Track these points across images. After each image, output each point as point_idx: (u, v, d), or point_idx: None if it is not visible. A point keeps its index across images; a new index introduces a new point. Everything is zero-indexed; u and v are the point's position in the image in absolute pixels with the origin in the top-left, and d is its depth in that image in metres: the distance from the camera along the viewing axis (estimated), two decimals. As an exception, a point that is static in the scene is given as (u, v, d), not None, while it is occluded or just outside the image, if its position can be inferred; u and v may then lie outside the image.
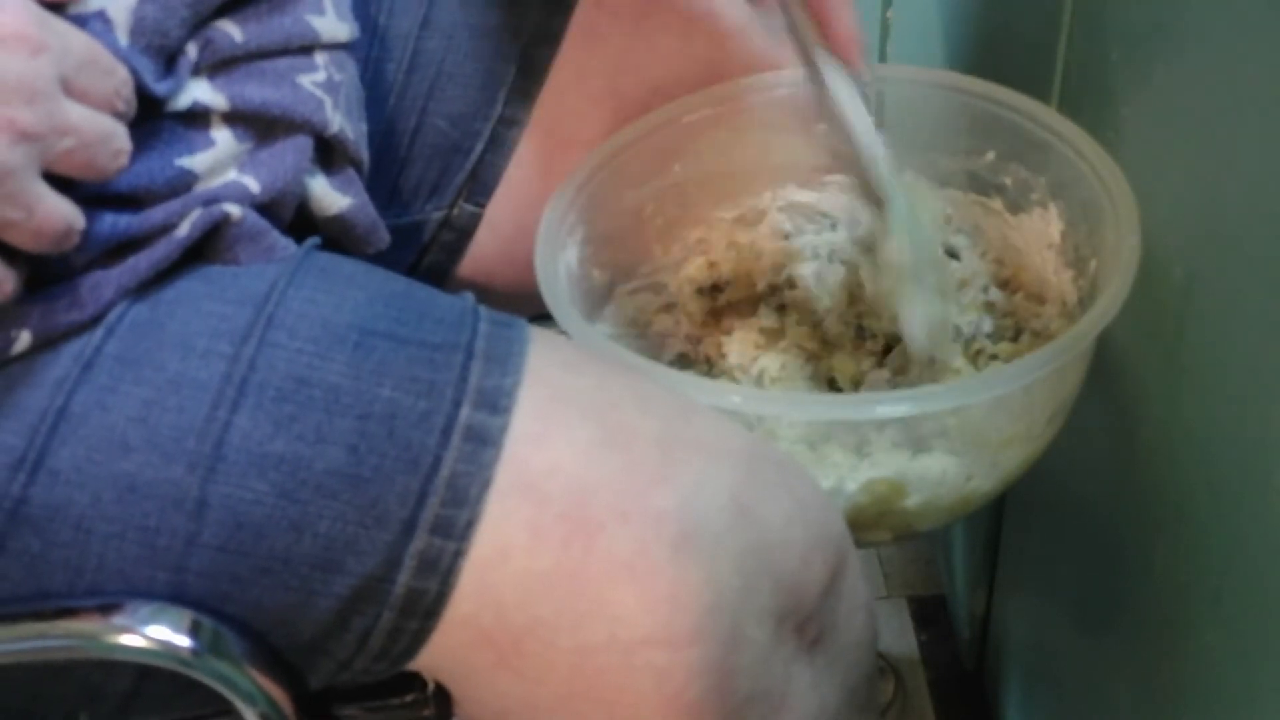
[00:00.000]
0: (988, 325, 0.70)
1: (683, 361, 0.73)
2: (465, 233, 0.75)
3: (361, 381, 0.51)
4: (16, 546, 0.49)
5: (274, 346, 0.51)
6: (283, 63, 0.57)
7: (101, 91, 0.48)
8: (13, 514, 0.49)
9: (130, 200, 0.52)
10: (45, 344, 0.50)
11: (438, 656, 0.53)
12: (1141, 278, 0.60)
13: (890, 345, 0.73)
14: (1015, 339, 0.70)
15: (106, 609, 0.50)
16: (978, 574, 1.01)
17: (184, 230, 0.53)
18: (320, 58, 0.58)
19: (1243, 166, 0.52)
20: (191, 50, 0.54)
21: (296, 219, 0.59)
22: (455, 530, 0.50)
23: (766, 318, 0.74)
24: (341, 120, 0.59)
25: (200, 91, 0.54)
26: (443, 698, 0.58)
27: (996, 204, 0.73)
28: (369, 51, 0.72)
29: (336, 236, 0.61)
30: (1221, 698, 0.58)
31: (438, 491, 0.50)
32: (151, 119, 0.53)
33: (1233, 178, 0.53)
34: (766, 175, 0.73)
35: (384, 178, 0.72)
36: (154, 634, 0.50)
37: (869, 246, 0.67)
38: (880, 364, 0.72)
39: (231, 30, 0.55)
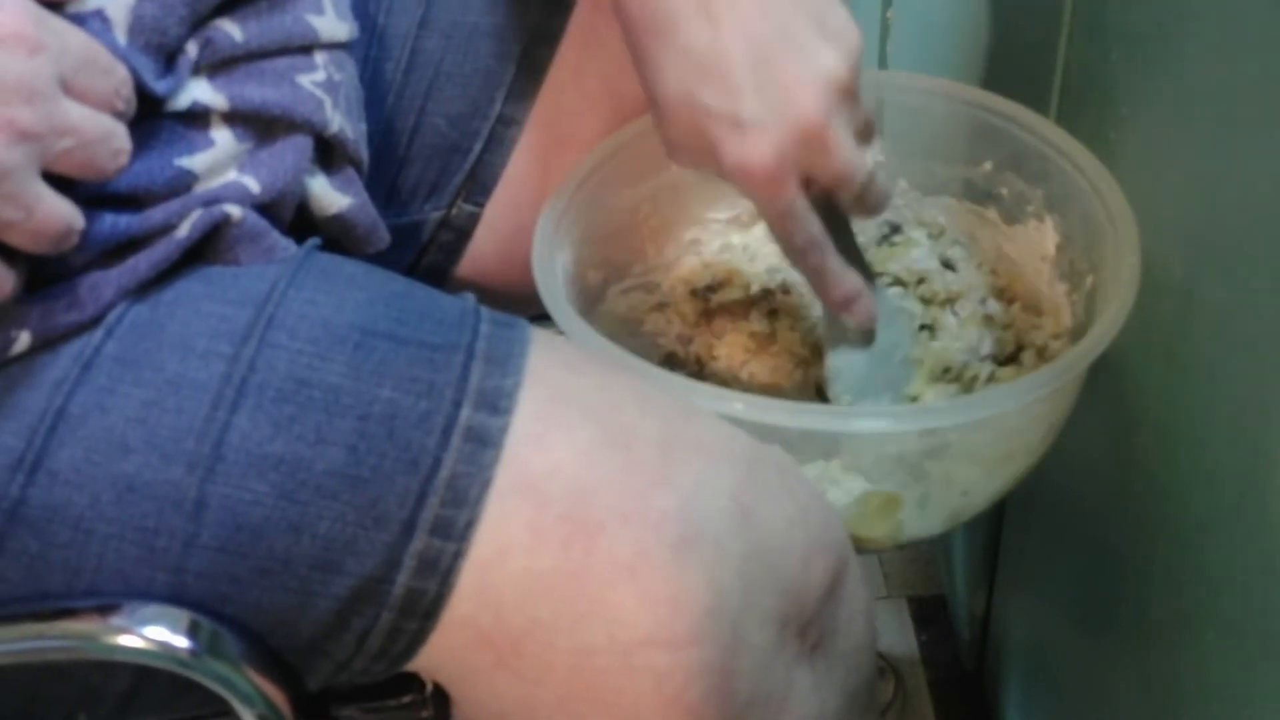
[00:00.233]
0: (988, 344, 0.70)
1: (671, 361, 0.73)
2: (464, 233, 0.75)
3: (361, 382, 0.51)
4: (15, 547, 0.49)
5: (274, 347, 0.51)
6: (282, 62, 0.57)
7: (101, 91, 0.48)
8: (11, 515, 0.49)
9: (130, 200, 0.52)
10: (44, 344, 0.50)
11: (436, 657, 0.52)
12: (1142, 278, 0.60)
13: None
14: (1016, 354, 0.70)
15: (105, 610, 0.50)
16: (978, 574, 1.01)
17: (184, 231, 0.53)
18: (320, 57, 0.58)
19: (1243, 166, 0.52)
20: (191, 49, 0.54)
21: (296, 219, 0.59)
22: (455, 531, 0.50)
23: (758, 323, 0.73)
24: (341, 120, 0.59)
25: (200, 91, 0.54)
26: (441, 699, 0.58)
27: (992, 214, 0.73)
28: (368, 51, 0.72)
29: (337, 236, 0.61)
30: (1221, 698, 0.58)
31: (437, 492, 0.50)
32: (151, 119, 0.53)
33: (1233, 177, 0.53)
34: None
35: (382, 177, 0.72)
36: (152, 635, 0.50)
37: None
38: None
39: (231, 30, 0.55)
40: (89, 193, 0.50)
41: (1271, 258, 0.50)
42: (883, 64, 1.12)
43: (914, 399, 0.68)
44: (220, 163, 0.55)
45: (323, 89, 0.58)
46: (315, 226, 0.60)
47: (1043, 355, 0.68)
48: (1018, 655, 0.96)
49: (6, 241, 0.46)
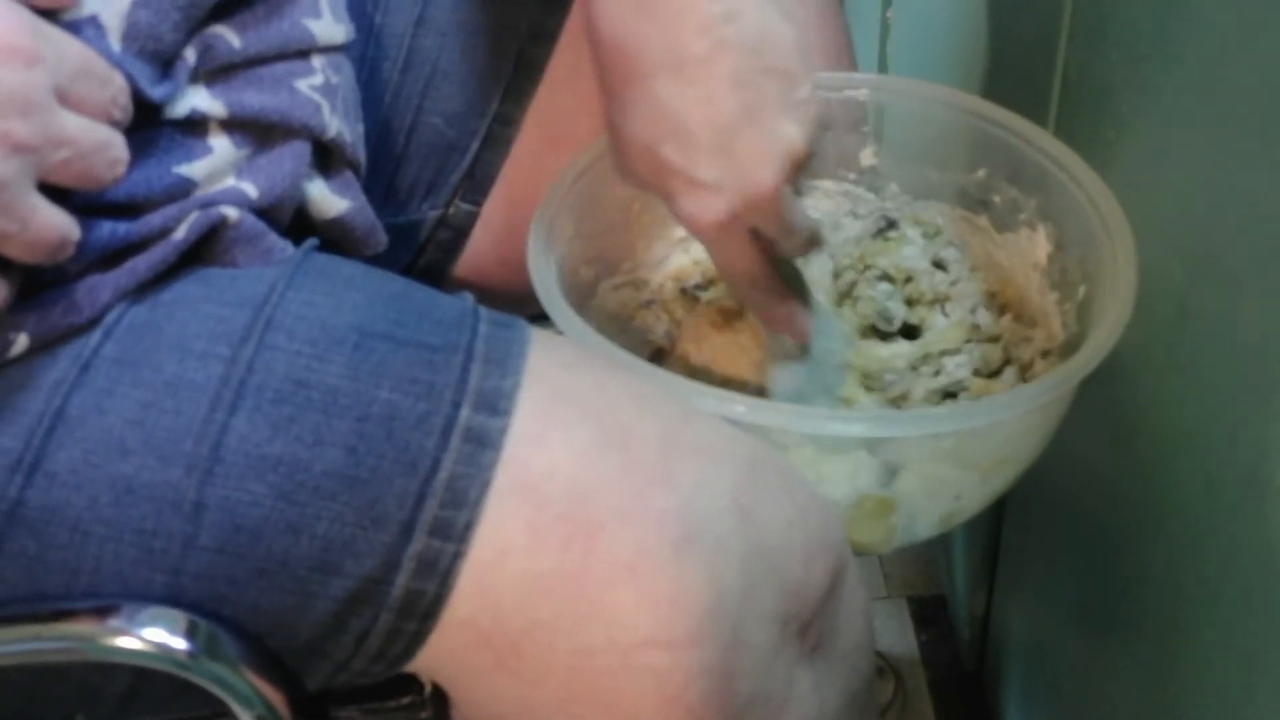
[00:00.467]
0: (966, 366, 0.70)
1: (659, 357, 0.73)
2: (461, 232, 0.75)
3: (360, 383, 0.51)
4: (13, 548, 0.49)
5: (272, 349, 0.51)
6: (280, 68, 0.57)
7: (97, 101, 0.47)
8: (9, 516, 0.49)
9: (128, 209, 0.52)
10: (42, 346, 0.50)
11: (435, 658, 0.52)
12: (1142, 278, 0.60)
13: None
14: (999, 371, 0.70)
15: (103, 611, 0.50)
16: (978, 574, 1.01)
17: (181, 233, 0.53)
18: (317, 61, 0.58)
19: (1243, 167, 0.52)
20: (190, 56, 0.53)
21: (294, 222, 0.59)
22: (454, 532, 0.50)
23: (741, 331, 0.73)
24: (339, 123, 0.59)
25: (198, 99, 0.54)
26: (440, 700, 0.58)
27: (983, 221, 0.73)
28: (365, 50, 0.72)
29: (335, 239, 0.61)
30: (1221, 698, 0.58)
31: (436, 493, 0.50)
32: (149, 127, 0.52)
33: (1233, 178, 0.53)
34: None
35: (380, 177, 0.72)
36: (150, 636, 0.50)
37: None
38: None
39: (230, 37, 0.55)
40: (87, 201, 0.49)
41: (1272, 257, 0.50)
42: (883, 65, 1.11)
43: (847, 401, 0.69)
44: (219, 170, 0.55)
45: (320, 93, 0.58)
46: (313, 229, 0.60)
47: (1025, 373, 0.68)
48: (1018, 655, 0.96)
49: (2, 253, 0.46)
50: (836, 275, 0.75)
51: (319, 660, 0.53)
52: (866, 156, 0.76)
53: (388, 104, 0.72)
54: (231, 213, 0.54)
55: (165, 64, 0.53)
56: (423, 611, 0.51)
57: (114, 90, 0.48)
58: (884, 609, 1.16)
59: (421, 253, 0.75)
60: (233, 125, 0.55)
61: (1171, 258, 0.59)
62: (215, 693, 0.51)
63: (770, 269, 0.63)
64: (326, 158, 0.60)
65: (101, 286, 0.51)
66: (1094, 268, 0.64)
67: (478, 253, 0.75)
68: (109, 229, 0.51)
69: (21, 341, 0.49)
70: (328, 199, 0.60)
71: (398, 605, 0.51)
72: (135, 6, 0.51)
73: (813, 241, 0.63)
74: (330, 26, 0.59)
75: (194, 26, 0.53)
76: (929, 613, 1.16)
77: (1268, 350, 0.51)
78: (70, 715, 0.55)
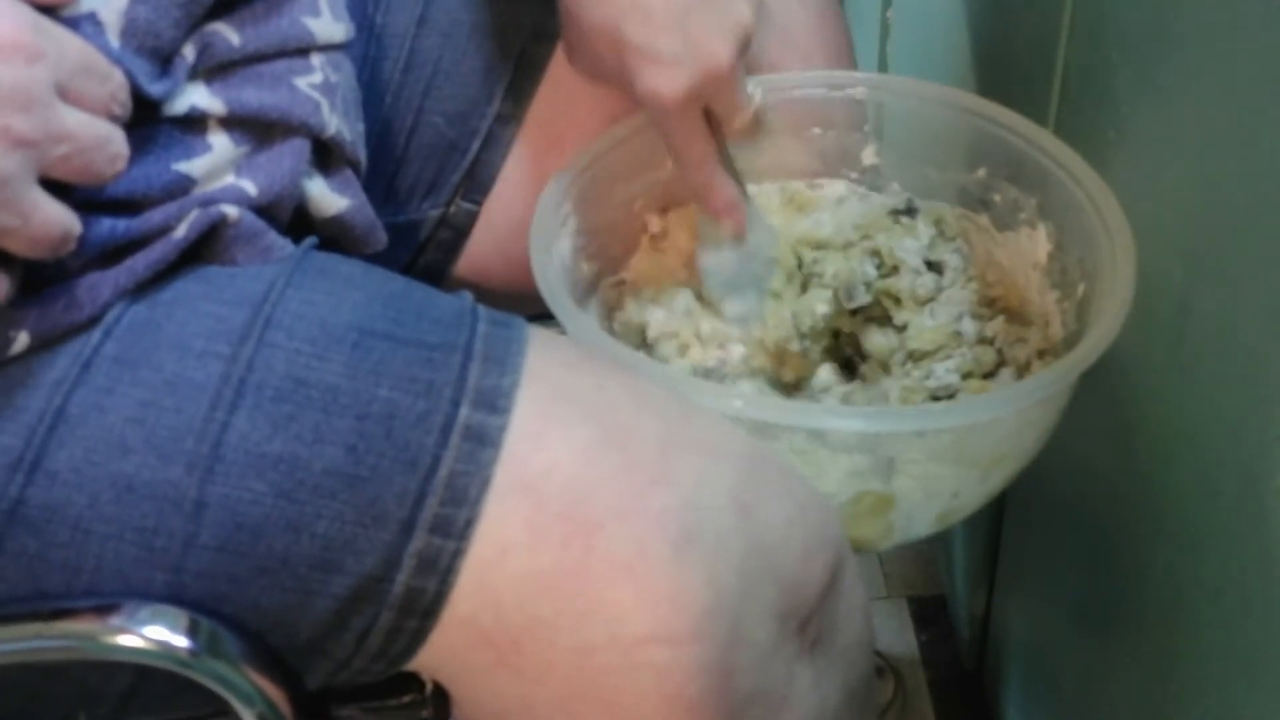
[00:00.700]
0: (954, 371, 0.70)
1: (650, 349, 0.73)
2: (462, 231, 0.75)
3: (359, 382, 0.51)
4: (14, 547, 0.49)
5: (272, 347, 0.51)
6: (279, 65, 0.57)
7: (97, 96, 0.48)
8: (10, 515, 0.49)
9: (128, 205, 0.52)
10: (43, 345, 0.50)
11: (436, 656, 0.52)
12: (1141, 277, 0.60)
13: (856, 358, 0.73)
14: (994, 372, 0.70)
15: (104, 610, 0.50)
16: (978, 574, 1.01)
17: (181, 231, 0.53)
18: (316, 59, 0.58)
19: (1243, 166, 0.52)
20: (189, 53, 0.54)
21: (294, 220, 0.59)
22: (454, 530, 0.50)
23: (654, 224, 0.75)
24: (338, 122, 0.59)
25: (197, 96, 0.54)
26: (441, 698, 0.58)
27: (984, 220, 0.73)
28: (366, 50, 0.72)
29: (335, 237, 0.61)
30: (1221, 698, 0.58)
31: (436, 491, 0.50)
32: (149, 124, 0.53)
33: (1233, 177, 0.53)
34: (755, 175, 0.73)
35: (380, 176, 0.72)
36: (151, 634, 0.50)
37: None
38: (840, 373, 0.72)
39: (229, 34, 0.55)
40: (87, 197, 0.50)
41: (1272, 257, 0.50)
42: (883, 65, 1.11)
43: (775, 295, 0.71)
44: (218, 167, 0.55)
45: (320, 91, 0.58)
46: (313, 228, 0.60)
47: (1022, 375, 0.68)
48: (1018, 655, 0.96)
49: (4, 248, 0.46)
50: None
51: (320, 658, 0.53)
52: (867, 156, 0.77)
53: (389, 104, 0.72)
54: (231, 211, 0.54)
55: (164, 61, 0.53)
56: (423, 609, 0.51)
57: (114, 86, 0.48)
58: (884, 609, 1.16)
59: (422, 252, 0.75)
60: (232, 123, 0.55)
61: (1171, 257, 0.59)
62: (216, 691, 0.51)
63: (720, 151, 0.67)
64: (326, 156, 0.60)
65: (102, 284, 0.51)
66: (1093, 267, 0.64)
67: (478, 252, 0.75)
68: (109, 226, 0.51)
69: (22, 339, 0.49)
70: (327, 197, 0.60)
71: (398, 603, 0.51)
72: (134, 3, 0.51)
73: (757, 122, 0.67)
74: (329, 25, 0.59)
75: (193, 23, 0.54)
76: (929, 612, 1.16)
77: (1268, 350, 0.51)
78: (71, 714, 0.55)
